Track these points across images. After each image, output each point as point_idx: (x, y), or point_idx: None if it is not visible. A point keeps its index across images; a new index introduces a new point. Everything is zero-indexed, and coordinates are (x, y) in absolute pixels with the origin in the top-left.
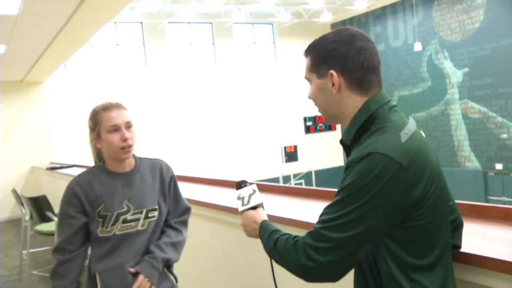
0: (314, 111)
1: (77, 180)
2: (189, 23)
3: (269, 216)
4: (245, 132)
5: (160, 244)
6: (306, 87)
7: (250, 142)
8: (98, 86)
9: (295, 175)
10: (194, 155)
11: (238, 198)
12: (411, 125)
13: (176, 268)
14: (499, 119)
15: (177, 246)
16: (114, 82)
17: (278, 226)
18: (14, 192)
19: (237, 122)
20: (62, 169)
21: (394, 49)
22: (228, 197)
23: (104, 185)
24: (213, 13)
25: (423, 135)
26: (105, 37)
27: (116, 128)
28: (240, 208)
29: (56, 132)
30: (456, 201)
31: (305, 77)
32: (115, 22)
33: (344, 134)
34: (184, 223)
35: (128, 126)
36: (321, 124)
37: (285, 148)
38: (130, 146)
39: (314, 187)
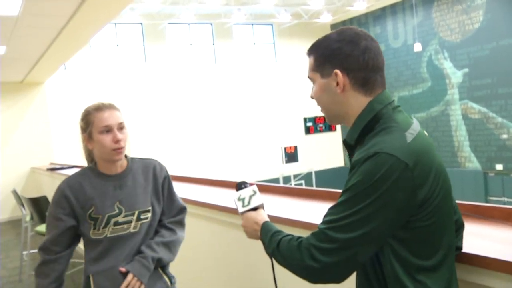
0: (314, 112)
1: (68, 181)
2: (189, 24)
3: (269, 216)
4: (245, 133)
5: (151, 244)
6: (306, 88)
7: (250, 143)
8: (98, 87)
9: (295, 176)
10: (195, 155)
11: (239, 199)
12: (416, 125)
13: (176, 268)
14: (499, 119)
15: (170, 246)
16: (114, 83)
17: (278, 226)
18: (15, 192)
19: (237, 123)
20: (62, 170)
21: (394, 49)
22: (228, 198)
23: (95, 187)
24: (213, 14)
25: (427, 135)
26: (105, 38)
27: (108, 129)
28: (241, 210)
29: (56, 133)
30: (458, 201)
31: (308, 76)
32: (115, 23)
33: (348, 134)
34: (180, 223)
35: (121, 127)
36: (321, 125)
37: (285, 148)
38: (122, 148)
39: (314, 188)
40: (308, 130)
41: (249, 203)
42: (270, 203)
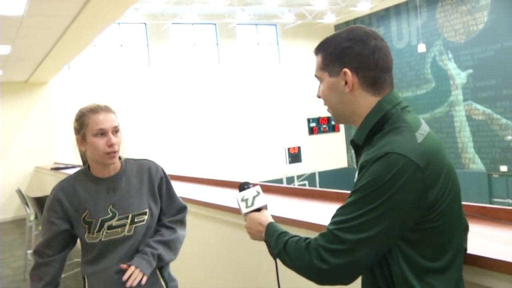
0: (318, 112)
1: (61, 185)
2: (192, 24)
3: (272, 217)
4: (248, 133)
5: (149, 242)
6: (309, 88)
7: (254, 143)
8: (102, 87)
9: (298, 176)
10: (198, 155)
11: (242, 200)
12: (425, 126)
13: (179, 268)
14: (504, 120)
15: (170, 244)
16: (118, 82)
17: (281, 227)
18: (19, 192)
19: (241, 123)
20: (66, 169)
21: (398, 50)
22: (232, 198)
23: (88, 190)
24: (216, 14)
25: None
26: (109, 38)
27: (102, 132)
28: (244, 210)
29: (60, 132)
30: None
31: (315, 75)
32: (119, 23)
33: (356, 134)
34: (180, 222)
35: (115, 130)
36: (324, 126)
37: (288, 149)
38: (115, 152)
39: (317, 188)
40: (311, 131)
41: (252, 203)
42: (273, 203)
